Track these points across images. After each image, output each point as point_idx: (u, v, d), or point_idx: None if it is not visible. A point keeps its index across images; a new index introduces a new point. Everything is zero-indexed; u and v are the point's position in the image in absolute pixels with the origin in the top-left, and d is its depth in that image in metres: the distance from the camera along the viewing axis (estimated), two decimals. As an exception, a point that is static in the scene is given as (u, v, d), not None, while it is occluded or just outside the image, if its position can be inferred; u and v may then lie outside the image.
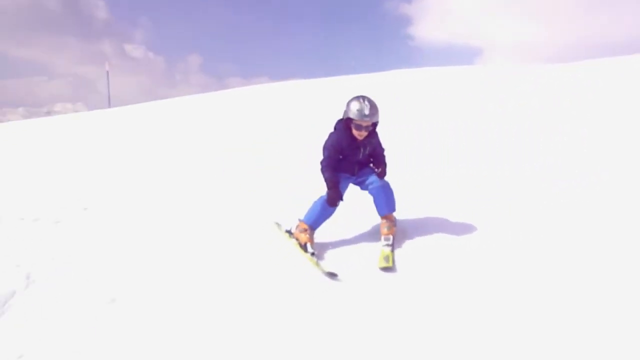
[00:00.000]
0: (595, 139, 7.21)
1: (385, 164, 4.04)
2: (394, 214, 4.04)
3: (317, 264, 3.63)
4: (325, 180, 3.89)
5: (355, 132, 3.80)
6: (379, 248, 3.86)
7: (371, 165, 4.07)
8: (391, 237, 3.87)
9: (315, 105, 15.00)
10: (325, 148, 3.93)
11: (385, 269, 3.55)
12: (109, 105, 23.51)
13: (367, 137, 3.85)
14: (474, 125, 9.49)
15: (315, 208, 3.97)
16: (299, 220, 4.02)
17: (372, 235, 4.20)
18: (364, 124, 3.72)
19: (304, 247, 3.85)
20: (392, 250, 3.78)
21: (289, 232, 4.14)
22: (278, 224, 4.37)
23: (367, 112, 3.67)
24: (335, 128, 3.94)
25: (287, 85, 22.96)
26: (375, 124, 3.87)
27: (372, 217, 4.29)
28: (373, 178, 3.98)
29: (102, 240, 4.90)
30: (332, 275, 3.45)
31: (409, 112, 11.61)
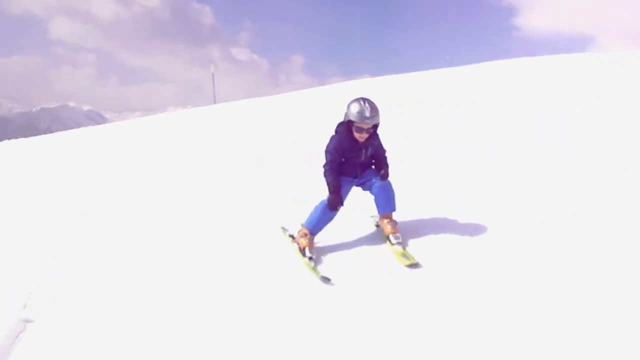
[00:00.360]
0: None
1: (387, 165, 4.03)
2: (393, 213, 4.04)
3: (313, 269, 3.66)
4: (328, 184, 3.87)
5: (356, 134, 3.80)
6: (389, 248, 3.85)
7: (373, 167, 4.06)
8: (399, 235, 3.87)
9: (396, 100, 14.21)
10: (327, 152, 3.90)
11: (411, 266, 3.52)
12: (214, 102, 25.14)
13: (368, 139, 3.86)
14: (589, 112, 8.86)
15: (315, 213, 3.98)
16: (301, 225, 4.03)
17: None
18: (365, 127, 3.73)
19: (302, 252, 3.88)
20: (404, 248, 3.78)
21: (292, 236, 4.18)
22: (284, 229, 4.40)
23: (367, 114, 3.68)
24: (336, 131, 3.93)
25: (372, 82, 22.68)
26: (375, 126, 3.88)
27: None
28: (375, 178, 3.98)
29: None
30: (325, 279, 3.48)
31: (512, 102, 11.08)
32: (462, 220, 4.42)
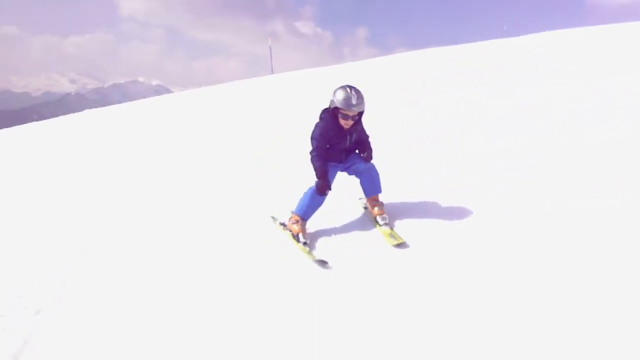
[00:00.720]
0: None
1: (370, 149, 4.07)
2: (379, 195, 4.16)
3: (309, 253, 3.75)
4: (315, 170, 3.93)
5: (342, 121, 3.82)
6: (377, 229, 3.99)
7: (357, 151, 4.10)
8: (386, 215, 3.99)
9: (441, 72, 13.86)
10: (313, 138, 3.95)
11: (399, 245, 3.66)
12: (272, 73, 26.82)
13: (353, 125, 3.88)
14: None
15: (305, 199, 4.05)
16: (291, 212, 4.10)
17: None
18: (351, 114, 3.76)
19: (296, 238, 3.95)
20: (392, 228, 3.91)
21: (282, 224, 4.24)
22: (273, 218, 4.48)
23: (354, 101, 3.70)
24: (321, 117, 3.95)
25: (422, 53, 22.39)
26: (360, 113, 3.90)
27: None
28: (359, 162, 4.06)
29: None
30: (322, 263, 3.56)
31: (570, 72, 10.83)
32: (476, 195, 4.63)
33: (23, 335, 3.16)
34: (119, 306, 3.48)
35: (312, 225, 4.23)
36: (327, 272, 3.65)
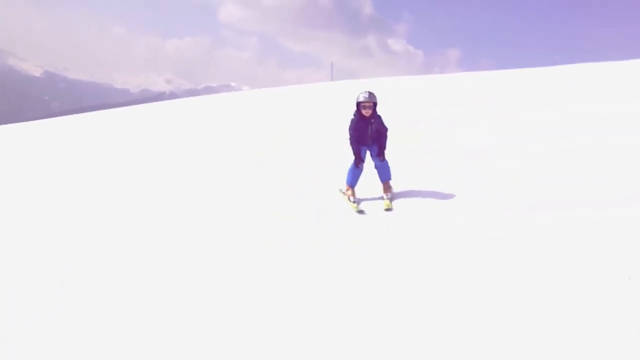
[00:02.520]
0: None
1: (384, 147, 6.17)
2: (390, 182, 6.36)
3: (355, 207, 5.93)
4: (352, 150, 6.09)
5: (363, 111, 5.90)
6: (383, 200, 6.11)
7: (378, 143, 6.16)
8: (390, 193, 6.26)
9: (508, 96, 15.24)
10: (349, 129, 6.12)
11: (388, 210, 5.81)
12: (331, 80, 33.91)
13: (372, 116, 5.91)
14: None
15: (349, 174, 6.31)
16: (345, 185, 6.34)
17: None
18: (367, 104, 5.87)
19: (349, 199, 6.19)
20: (391, 201, 6.09)
21: (341, 191, 6.49)
22: (340, 190, 6.54)
23: (367, 95, 5.82)
24: (354, 116, 6.07)
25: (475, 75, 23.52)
26: (375, 104, 5.90)
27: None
28: (376, 160, 6.26)
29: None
30: (361, 212, 5.78)
31: None
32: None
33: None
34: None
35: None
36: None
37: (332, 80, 32.45)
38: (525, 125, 10.28)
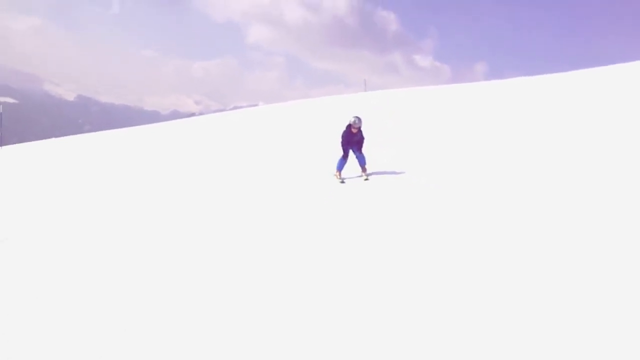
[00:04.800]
0: None
1: (362, 146, 9.88)
2: (366, 166, 9.86)
3: (340, 180, 9.56)
4: (342, 149, 9.81)
5: (353, 129, 9.61)
6: (363, 177, 9.50)
7: (358, 145, 9.89)
8: (365, 173, 9.77)
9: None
10: (341, 136, 9.75)
11: (366, 180, 9.31)
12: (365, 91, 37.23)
13: (357, 132, 9.61)
14: None
15: (338, 163, 9.87)
16: (336, 170, 9.84)
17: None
18: (356, 126, 9.60)
19: (337, 177, 9.74)
20: (367, 178, 9.58)
21: (333, 174, 9.97)
22: (333, 174, 9.96)
23: (357, 120, 9.57)
24: (346, 128, 9.69)
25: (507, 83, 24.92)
26: (360, 128, 9.64)
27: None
28: (358, 152, 9.80)
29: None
30: (342, 182, 9.49)
31: None
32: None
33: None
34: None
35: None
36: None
37: (366, 91, 36.52)
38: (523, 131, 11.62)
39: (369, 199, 7.25)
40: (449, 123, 14.81)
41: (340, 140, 9.78)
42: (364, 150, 9.88)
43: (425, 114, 16.95)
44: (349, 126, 9.58)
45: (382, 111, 16.89)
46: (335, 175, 9.85)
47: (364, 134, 9.83)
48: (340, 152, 9.82)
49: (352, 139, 9.68)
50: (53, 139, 24.98)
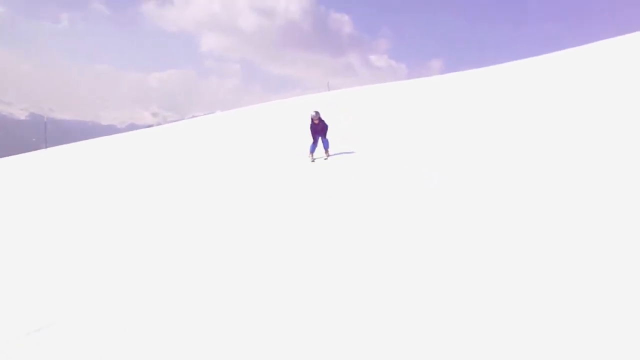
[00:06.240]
0: None
1: (325, 133, 12.50)
2: (329, 150, 12.67)
3: (311, 160, 12.30)
4: (312, 136, 12.55)
5: (314, 121, 12.42)
6: (323, 158, 12.10)
7: (322, 133, 12.69)
8: (327, 155, 12.56)
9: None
10: (309, 127, 12.51)
11: (325, 159, 12.08)
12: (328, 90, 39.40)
13: (318, 123, 12.41)
14: None
15: (310, 146, 12.59)
16: (309, 152, 12.59)
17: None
18: (315, 119, 12.42)
19: (309, 157, 12.44)
20: (326, 158, 12.39)
21: (307, 156, 12.69)
22: (307, 156, 12.61)
23: (315, 114, 12.40)
24: (310, 121, 12.49)
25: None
26: (320, 119, 12.44)
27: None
28: (323, 138, 12.54)
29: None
30: (313, 161, 12.23)
31: None
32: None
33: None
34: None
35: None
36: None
37: (329, 90, 39.97)
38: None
39: (337, 190, 7.43)
40: (409, 116, 15.91)
41: (310, 128, 12.61)
42: (328, 136, 12.54)
43: (386, 109, 18.03)
44: (311, 119, 12.34)
45: (343, 108, 17.23)
46: (308, 156, 12.52)
47: (327, 122, 12.59)
48: (311, 140, 12.49)
49: (316, 129, 12.37)
50: (8, 157, 24.03)
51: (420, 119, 14.50)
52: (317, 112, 12.28)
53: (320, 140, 12.45)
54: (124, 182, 12.09)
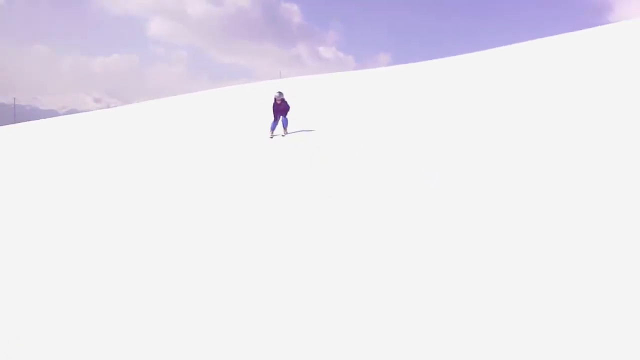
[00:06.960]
0: None
1: (287, 112, 13.46)
2: (287, 128, 13.69)
3: (271, 136, 13.25)
4: (273, 115, 13.46)
5: (277, 101, 13.28)
6: (281, 135, 13.01)
7: (284, 112, 13.59)
8: (285, 132, 13.53)
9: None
10: (272, 106, 13.44)
11: (283, 136, 13.22)
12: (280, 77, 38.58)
13: (281, 103, 13.31)
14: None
15: (271, 125, 13.46)
16: (270, 130, 13.47)
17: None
18: (278, 99, 13.28)
19: (270, 135, 13.32)
20: (284, 135, 13.38)
21: (268, 134, 13.56)
22: (268, 135, 13.50)
23: (278, 94, 13.30)
24: (274, 101, 13.40)
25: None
26: (283, 99, 13.32)
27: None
28: (283, 117, 13.46)
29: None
30: (272, 137, 13.23)
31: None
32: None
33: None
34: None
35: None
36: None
37: (280, 78, 39.94)
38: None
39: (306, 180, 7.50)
40: (357, 103, 16.57)
41: (272, 108, 13.46)
42: (289, 115, 13.55)
43: (336, 96, 18.44)
44: (274, 99, 13.36)
45: (293, 95, 17.41)
46: (268, 133, 13.50)
47: (289, 104, 13.46)
48: (272, 118, 13.38)
49: (279, 108, 13.38)
50: None
51: (367, 105, 15.22)
52: (280, 93, 13.35)
53: (280, 119, 13.52)
54: (70, 167, 11.84)
